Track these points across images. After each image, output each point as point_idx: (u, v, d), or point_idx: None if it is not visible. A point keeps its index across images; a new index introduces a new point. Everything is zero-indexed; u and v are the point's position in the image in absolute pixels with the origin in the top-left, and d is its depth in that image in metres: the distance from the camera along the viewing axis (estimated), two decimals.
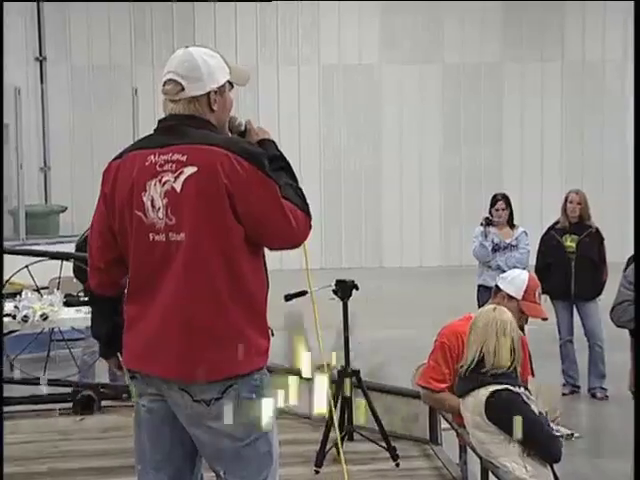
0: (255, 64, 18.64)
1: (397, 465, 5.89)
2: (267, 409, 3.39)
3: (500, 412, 4.54)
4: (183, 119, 3.44)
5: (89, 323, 7.61)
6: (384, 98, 19.71)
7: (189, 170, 3.30)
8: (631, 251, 6.51)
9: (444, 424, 6.01)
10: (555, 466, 4.68)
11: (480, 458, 4.78)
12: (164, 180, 3.34)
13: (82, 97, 18.99)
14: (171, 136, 3.42)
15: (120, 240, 3.46)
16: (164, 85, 3.48)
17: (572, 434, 4.95)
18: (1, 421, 5.35)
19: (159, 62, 18.84)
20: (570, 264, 9.15)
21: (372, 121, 19.65)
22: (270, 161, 3.39)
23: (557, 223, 9.42)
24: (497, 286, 5.57)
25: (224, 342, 3.31)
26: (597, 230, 9.34)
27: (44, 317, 6.60)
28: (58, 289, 7.59)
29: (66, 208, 17.38)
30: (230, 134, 3.56)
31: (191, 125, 3.41)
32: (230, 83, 3.55)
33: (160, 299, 3.35)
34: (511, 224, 9.59)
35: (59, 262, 8.27)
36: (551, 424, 4.81)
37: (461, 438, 5.45)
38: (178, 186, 3.32)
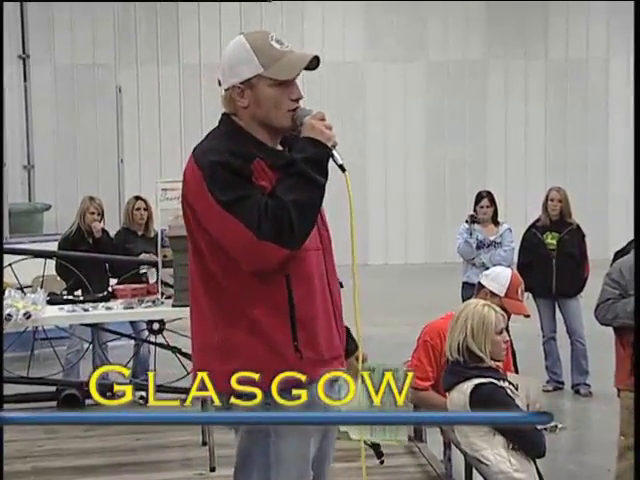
0: None
1: (382, 462, 5.88)
2: (280, 442, 3.14)
3: (484, 405, 4.55)
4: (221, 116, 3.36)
5: (72, 321, 7.70)
6: (368, 96, 19.73)
7: None
8: (612, 248, 6.55)
9: None
10: (539, 461, 4.69)
11: (464, 454, 4.79)
12: None
13: (65, 95, 18.94)
14: None
15: None
16: None
17: (556, 425, 4.96)
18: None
19: (143, 60, 18.84)
20: (551, 261, 9.17)
21: (356, 119, 19.66)
22: (283, 168, 3.15)
23: (538, 220, 9.45)
24: (480, 283, 5.58)
25: (220, 354, 3.16)
26: (578, 227, 9.38)
27: (27, 316, 6.56)
28: (42, 287, 7.57)
29: (50, 206, 17.34)
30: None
31: (217, 125, 3.33)
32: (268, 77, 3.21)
33: None
34: (495, 221, 9.61)
35: (43, 260, 8.26)
36: None
37: (445, 435, 5.47)
38: None
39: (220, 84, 3.29)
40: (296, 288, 3.17)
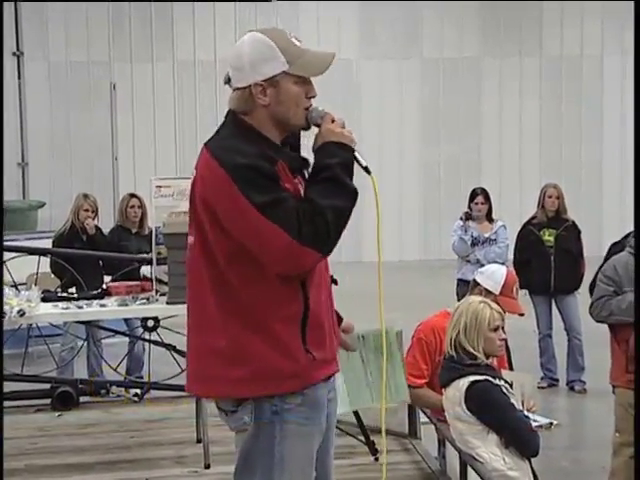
0: None
1: (376, 459, 5.89)
2: (284, 444, 3.13)
3: (479, 402, 4.55)
4: (227, 115, 3.23)
5: (67, 319, 7.69)
6: (363, 93, 19.73)
7: (193, 174, 3.18)
8: (607, 246, 6.55)
9: (423, 418, 6.01)
10: (533, 459, 4.69)
11: (459, 452, 4.79)
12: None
13: (60, 93, 18.91)
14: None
15: None
16: None
17: (551, 423, 4.96)
18: (1, 416, 5.32)
19: (137, 58, 18.81)
20: (549, 258, 9.18)
21: (351, 117, 19.60)
22: (313, 173, 3.11)
23: (534, 218, 9.45)
24: (475, 280, 5.57)
25: (227, 360, 3.11)
26: (574, 223, 9.39)
27: (21, 313, 6.54)
28: (36, 285, 7.55)
29: (44, 204, 17.32)
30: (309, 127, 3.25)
31: (225, 123, 3.21)
32: (292, 74, 3.15)
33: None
34: (490, 218, 9.61)
35: (37, 258, 8.24)
36: (527, 414, 4.83)
37: (440, 432, 5.46)
38: (190, 188, 3.21)
39: (228, 82, 3.21)
40: (311, 291, 3.17)
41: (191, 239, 3.20)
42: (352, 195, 3.13)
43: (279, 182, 3.06)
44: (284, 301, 3.11)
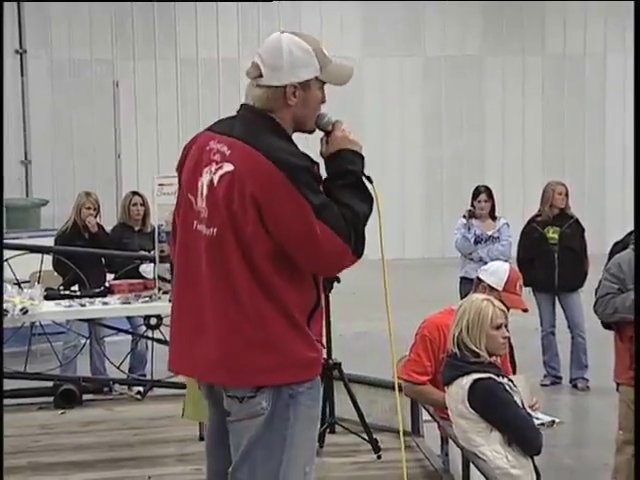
0: (237, 60, 18.63)
1: (379, 457, 5.89)
2: (296, 426, 3.22)
3: (482, 400, 4.55)
4: (249, 111, 3.26)
5: (69, 317, 7.70)
6: (366, 91, 19.71)
7: (227, 167, 3.16)
8: (609, 244, 6.55)
9: (426, 416, 6.01)
10: (536, 456, 4.69)
11: (462, 449, 4.78)
12: (212, 169, 3.20)
13: (63, 91, 18.90)
14: (232, 125, 3.27)
15: (176, 217, 3.43)
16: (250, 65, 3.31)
17: (554, 421, 4.97)
18: (1, 414, 5.32)
19: (140, 55, 18.80)
20: (553, 255, 9.17)
21: (354, 114, 19.62)
22: (335, 177, 3.22)
23: (538, 215, 9.44)
24: (478, 277, 5.56)
25: (252, 348, 3.17)
26: (577, 220, 9.39)
27: (24, 311, 6.55)
28: (39, 283, 7.55)
29: (47, 201, 17.32)
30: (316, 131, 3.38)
31: (252, 119, 3.24)
32: (320, 80, 3.29)
33: (197, 294, 3.28)
34: (493, 216, 9.61)
35: (40, 256, 8.24)
36: (530, 411, 4.83)
37: (442, 430, 5.46)
38: (215, 180, 3.18)
39: (257, 77, 3.24)
40: (320, 283, 3.31)
41: (211, 230, 3.20)
42: (372, 202, 3.28)
43: (320, 185, 3.19)
44: (305, 292, 3.24)
